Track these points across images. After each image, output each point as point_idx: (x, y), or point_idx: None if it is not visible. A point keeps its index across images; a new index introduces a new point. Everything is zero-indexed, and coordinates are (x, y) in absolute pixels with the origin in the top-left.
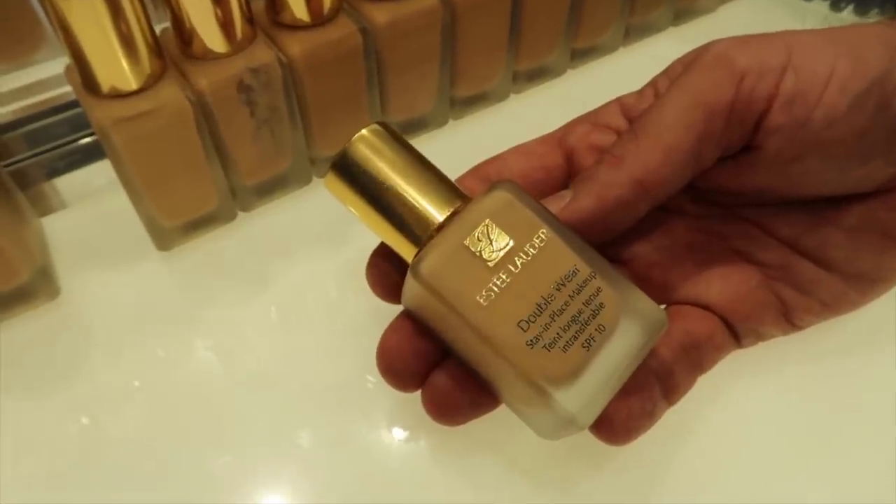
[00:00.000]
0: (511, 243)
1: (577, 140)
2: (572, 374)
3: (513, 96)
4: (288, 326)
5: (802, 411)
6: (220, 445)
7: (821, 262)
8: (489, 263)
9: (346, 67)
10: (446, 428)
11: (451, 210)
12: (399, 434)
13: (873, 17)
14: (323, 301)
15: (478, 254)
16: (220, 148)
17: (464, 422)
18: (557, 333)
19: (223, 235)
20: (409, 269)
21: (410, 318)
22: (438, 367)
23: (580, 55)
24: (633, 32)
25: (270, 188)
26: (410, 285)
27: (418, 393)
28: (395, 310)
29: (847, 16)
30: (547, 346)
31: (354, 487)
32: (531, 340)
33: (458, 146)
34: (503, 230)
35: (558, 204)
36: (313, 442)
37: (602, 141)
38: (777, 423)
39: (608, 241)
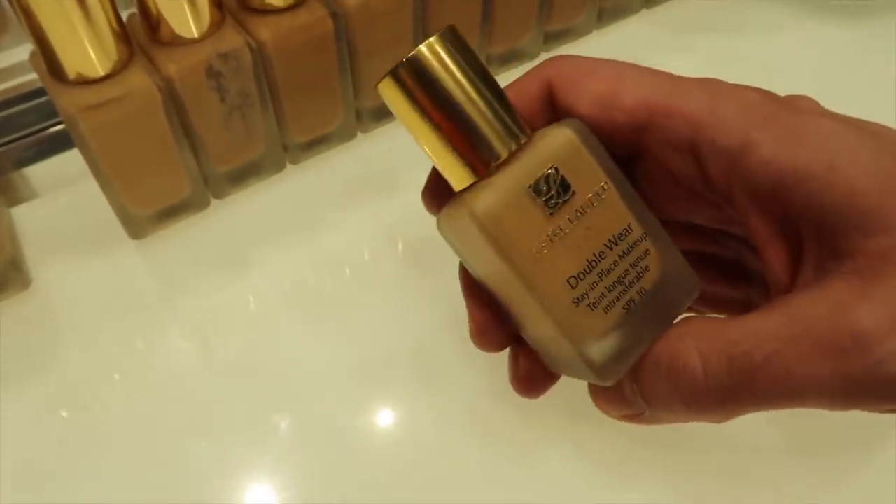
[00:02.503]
0: (573, 193)
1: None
2: (608, 334)
3: None
4: (264, 313)
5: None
6: (198, 433)
7: None
8: (549, 212)
9: (317, 52)
10: (419, 413)
11: (516, 145)
12: (377, 419)
13: (874, 1)
14: (299, 287)
15: (539, 200)
16: (190, 135)
17: (543, 393)
18: (602, 293)
19: (197, 223)
20: (459, 201)
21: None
22: (517, 347)
23: (553, 38)
24: (606, 15)
25: (244, 175)
26: (460, 220)
27: (397, 377)
28: (368, 297)
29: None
30: (591, 305)
31: (333, 472)
32: (577, 298)
33: None
34: (567, 177)
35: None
36: (291, 428)
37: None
38: None
39: None
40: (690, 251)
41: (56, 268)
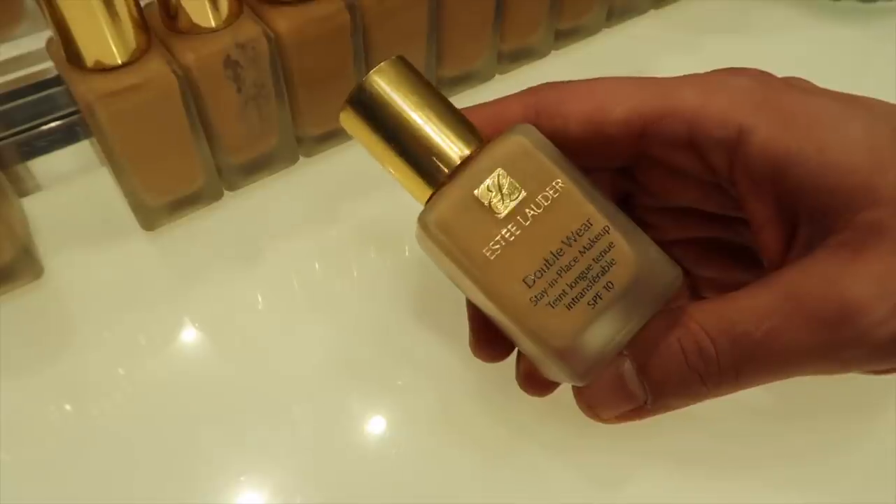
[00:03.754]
0: (523, 194)
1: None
2: (575, 333)
3: (497, 77)
4: (274, 306)
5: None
6: (208, 424)
7: None
8: (498, 215)
9: (333, 44)
10: (425, 400)
11: (466, 155)
12: (388, 410)
13: (881, 4)
14: (309, 280)
15: (487, 205)
16: (206, 124)
17: (549, 392)
18: (563, 290)
19: (209, 215)
20: (418, 217)
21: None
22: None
23: (564, 36)
24: (615, 14)
25: (257, 167)
26: (419, 234)
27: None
28: (377, 290)
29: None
30: (551, 303)
31: (345, 466)
32: (535, 297)
33: None
34: (516, 180)
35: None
36: (302, 420)
37: None
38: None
39: None
40: (703, 238)
41: (68, 257)
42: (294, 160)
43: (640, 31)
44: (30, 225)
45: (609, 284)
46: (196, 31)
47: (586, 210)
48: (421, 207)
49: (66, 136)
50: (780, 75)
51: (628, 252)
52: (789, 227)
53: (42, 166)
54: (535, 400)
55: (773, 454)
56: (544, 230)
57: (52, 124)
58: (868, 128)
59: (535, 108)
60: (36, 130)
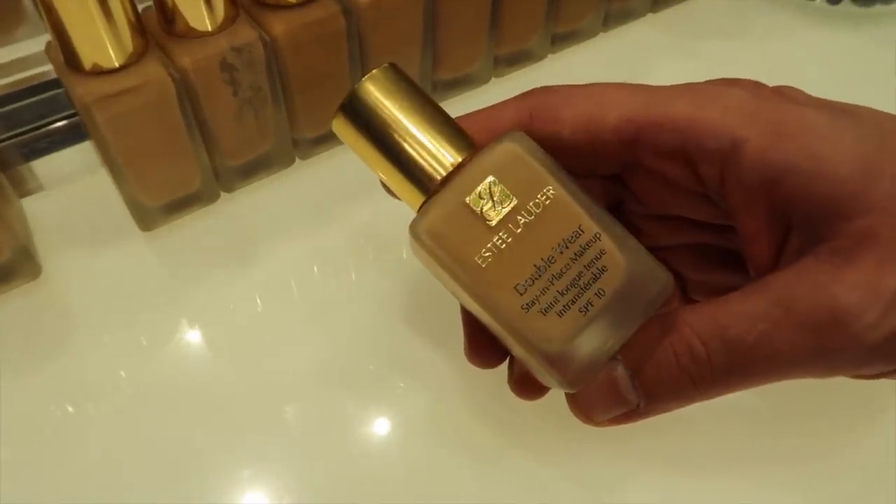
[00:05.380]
0: (514, 202)
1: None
2: (566, 339)
3: (494, 80)
4: (271, 307)
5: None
6: (205, 426)
7: None
8: (490, 223)
9: (328, 48)
10: (421, 403)
11: (457, 163)
12: (382, 408)
13: (878, 8)
14: (306, 282)
15: (479, 213)
16: (202, 127)
17: (540, 396)
18: (555, 298)
19: (206, 216)
20: (410, 225)
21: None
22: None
23: (560, 40)
24: (612, 18)
25: (253, 169)
26: (411, 243)
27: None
28: (375, 293)
29: (845, 8)
30: (543, 310)
31: (342, 466)
32: (527, 304)
33: None
34: (507, 187)
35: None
36: (299, 421)
37: None
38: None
39: None
40: (694, 244)
41: (66, 258)
42: (290, 162)
43: (637, 35)
44: (29, 225)
45: (600, 291)
46: (193, 34)
47: (577, 217)
48: (414, 213)
49: (68, 137)
50: (777, 79)
51: (619, 259)
52: (779, 238)
53: (45, 167)
54: (529, 405)
55: (770, 455)
56: (536, 237)
57: (54, 125)
58: (859, 138)
59: (529, 113)
60: (38, 132)
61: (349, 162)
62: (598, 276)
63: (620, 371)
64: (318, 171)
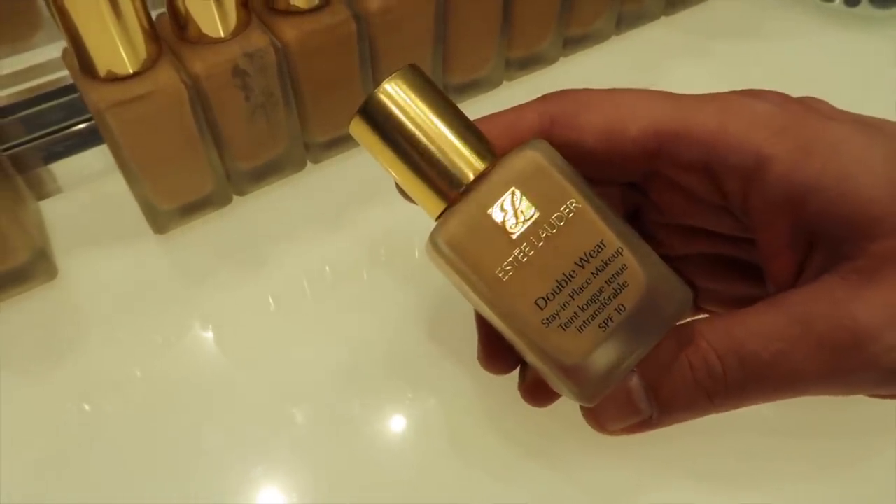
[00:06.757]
0: (537, 214)
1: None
2: (585, 355)
3: (505, 84)
4: (282, 308)
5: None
6: (218, 425)
7: None
8: (512, 235)
9: (340, 53)
10: (430, 408)
11: (479, 171)
12: (392, 412)
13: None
14: (319, 284)
15: (500, 224)
16: (215, 132)
17: (550, 403)
18: (575, 313)
19: (219, 219)
20: (432, 231)
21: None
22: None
23: (573, 43)
24: (625, 20)
25: (265, 172)
26: (430, 250)
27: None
28: (386, 295)
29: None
30: (563, 325)
31: (351, 468)
32: (547, 319)
33: None
34: (529, 199)
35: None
36: (310, 422)
37: None
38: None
39: None
40: (709, 254)
41: (82, 259)
42: (302, 166)
43: (651, 38)
44: (46, 227)
45: (621, 307)
46: (205, 40)
47: (600, 231)
48: (429, 217)
49: (87, 140)
50: (792, 83)
51: (640, 275)
52: (801, 255)
53: (64, 169)
54: (541, 411)
55: (785, 470)
56: (557, 251)
57: (72, 129)
58: (887, 157)
59: (550, 118)
60: (57, 135)
61: (360, 165)
62: (618, 291)
63: (635, 381)
64: (330, 174)
